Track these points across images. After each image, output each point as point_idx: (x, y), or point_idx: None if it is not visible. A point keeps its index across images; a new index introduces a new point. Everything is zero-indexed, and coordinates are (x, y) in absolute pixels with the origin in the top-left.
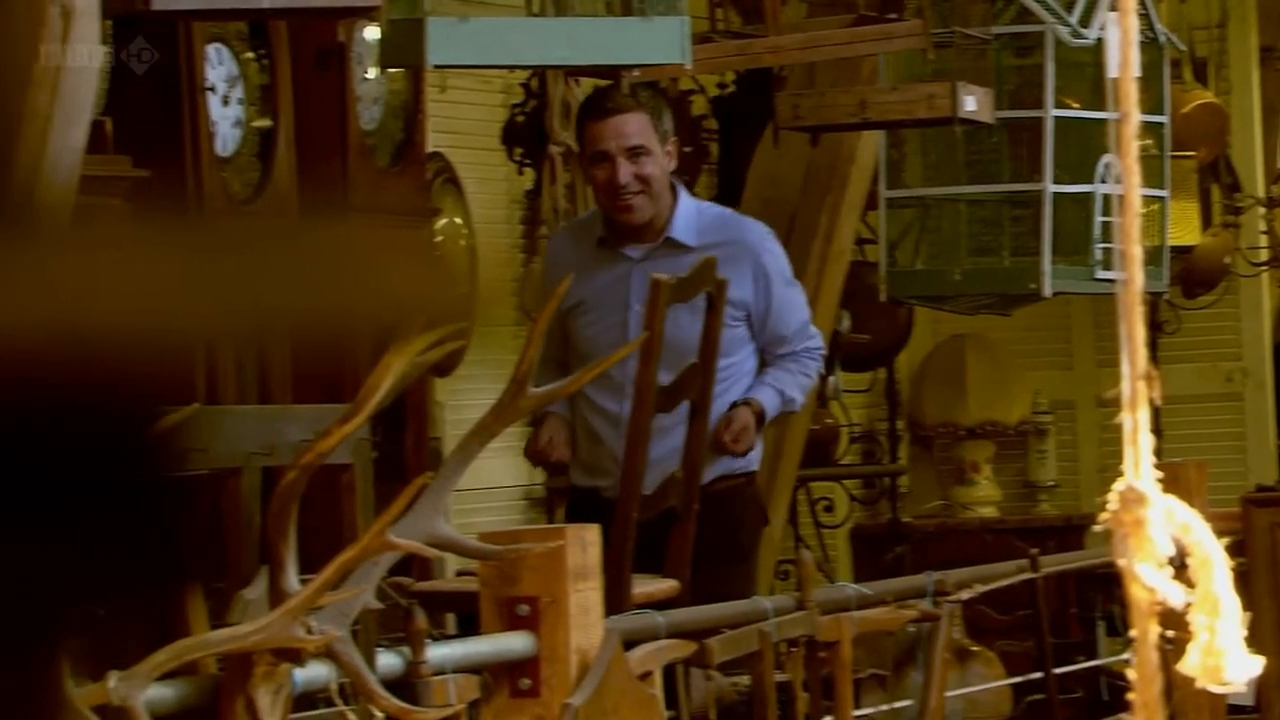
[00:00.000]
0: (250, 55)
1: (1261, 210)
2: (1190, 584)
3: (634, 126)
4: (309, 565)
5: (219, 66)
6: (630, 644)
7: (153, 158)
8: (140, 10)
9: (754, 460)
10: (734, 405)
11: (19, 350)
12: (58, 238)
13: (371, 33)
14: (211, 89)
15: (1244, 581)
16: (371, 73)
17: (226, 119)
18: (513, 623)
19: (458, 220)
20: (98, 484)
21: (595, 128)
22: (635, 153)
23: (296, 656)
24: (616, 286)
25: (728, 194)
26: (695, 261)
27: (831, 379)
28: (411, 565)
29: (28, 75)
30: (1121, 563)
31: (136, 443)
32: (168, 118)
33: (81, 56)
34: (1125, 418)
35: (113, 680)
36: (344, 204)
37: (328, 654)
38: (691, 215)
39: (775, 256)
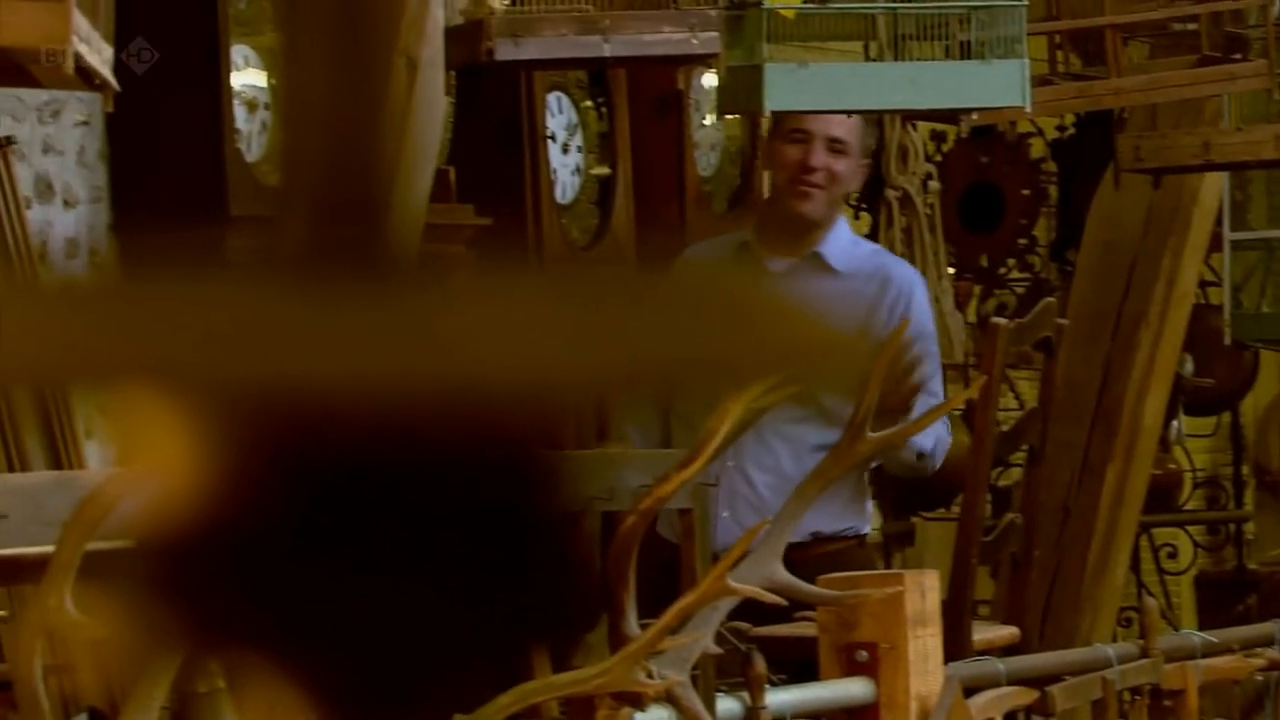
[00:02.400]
0: (589, 103)
1: None
2: None
3: (844, 118)
4: (647, 610)
5: (559, 115)
6: (970, 691)
7: (494, 206)
8: (484, 60)
9: (865, 523)
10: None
11: (394, 400)
12: (428, 285)
13: (709, 79)
14: (552, 137)
15: None
16: (709, 119)
17: (566, 166)
18: (851, 669)
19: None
20: (480, 532)
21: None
22: (836, 146)
23: (637, 701)
24: None
25: (1067, 237)
26: (840, 289)
27: (1174, 424)
28: (749, 610)
29: (377, 126)
30: None
31: (523, 488)
32: (509, 166)
33: (426, 106)
34: None
35: None
36: (681, 249)
37: (668, 699)
38: (846, 240)
39: (922, 306)
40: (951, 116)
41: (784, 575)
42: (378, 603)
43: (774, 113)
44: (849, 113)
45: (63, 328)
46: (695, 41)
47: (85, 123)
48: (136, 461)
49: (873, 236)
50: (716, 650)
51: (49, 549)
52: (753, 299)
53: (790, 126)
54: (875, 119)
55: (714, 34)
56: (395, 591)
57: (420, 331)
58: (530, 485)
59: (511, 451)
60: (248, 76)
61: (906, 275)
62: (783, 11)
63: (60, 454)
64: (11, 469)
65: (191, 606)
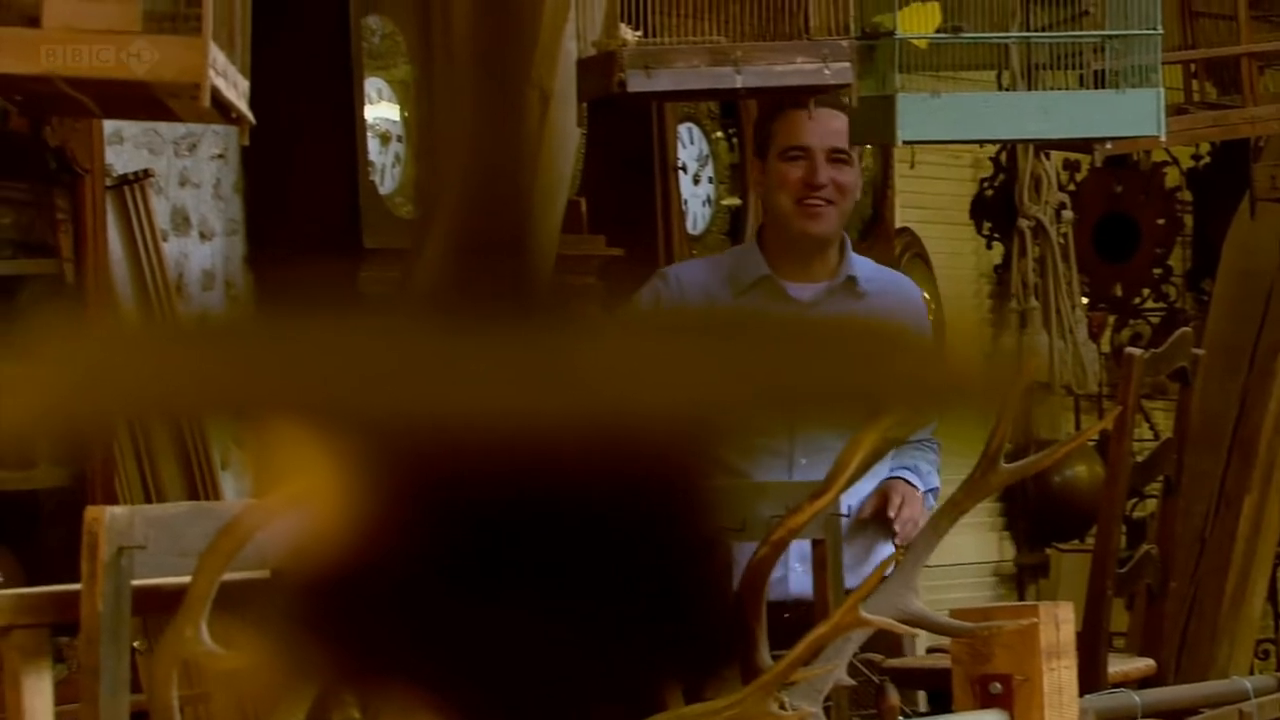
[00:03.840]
0: (720, 134)
1: None
2: None
3: (843, 125)
4: (778, 640)
5: (690, 146)
6: None
7: (626, 237)
8: (616, 92)
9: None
10: (886, 480)
11: (537, 433)
12: (572, 319)
13: None
14: (683, 168)
15: None
16: None
17: (697, 197)
18: (985, 701)
19: (925, 295)
20: (624, 564)
21: (797, 118)
22: (838, 157)
23: None
24: None
25: (1202, 266)
26: (864, 309)
27: None
28: (882, 641)
29: (520, 161)
30: None
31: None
32: (641, 197)
33: (558, 138)
34: None
35: None
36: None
37: None
38: (866, 262)
39: (926, 319)
40: (1085, 146)
41: (917, 606)
42: (518, 635)
43: (762, 130)
44: (983, 142)
45: (199, 360)
46: (827, 72)
47: (221, 156)
48: (273, 492)
49: (1005, 266)
50: (849, 682)
51: (185, 579)
52: (886, 332)
53: (787, 144)
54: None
55: (846, 64)
56: (536, 624)
57: (564, 365)
58: (674, 517)
59: (656, 484)
60: (381, 110)
61: (914, 289)
62: (915, 41)
63: (197, 485)
64: (149, 499)
65: (333, 638)
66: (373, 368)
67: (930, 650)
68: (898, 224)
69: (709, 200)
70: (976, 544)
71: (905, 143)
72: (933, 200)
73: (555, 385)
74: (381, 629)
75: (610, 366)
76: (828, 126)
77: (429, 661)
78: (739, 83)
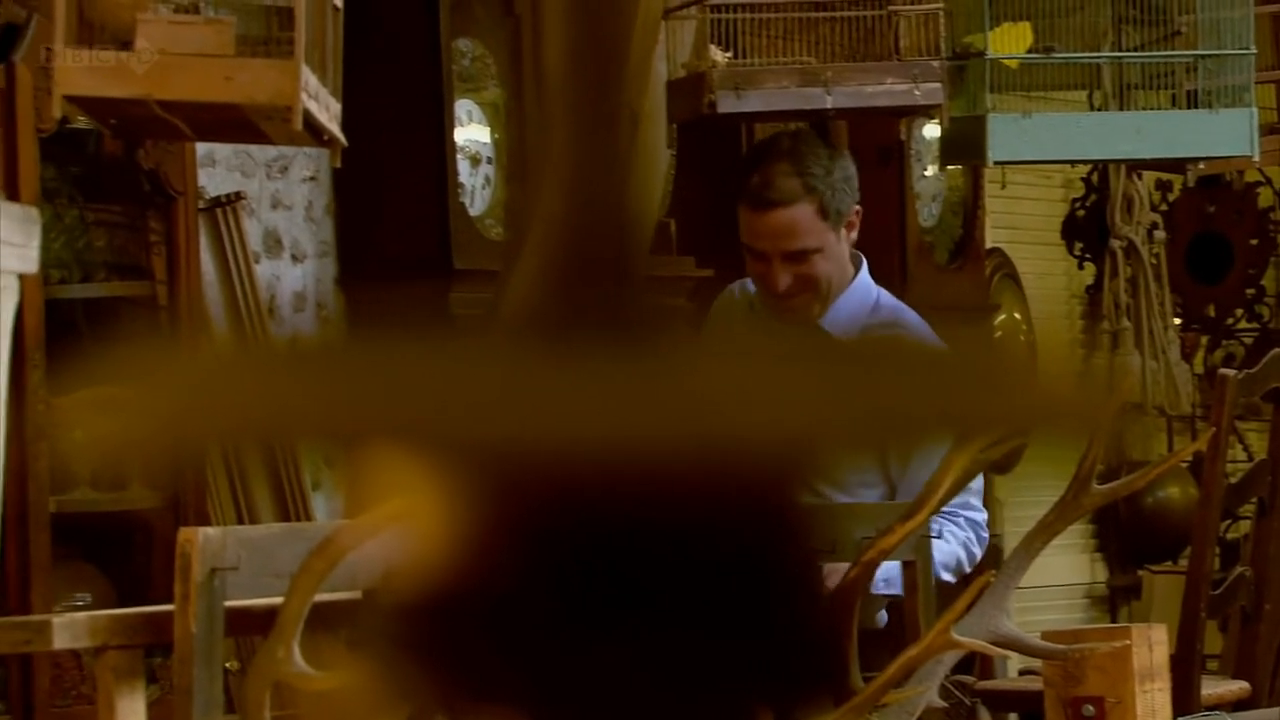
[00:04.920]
0: None
1: None
2: None
3: (796, 224)
4: (869, 662)
5: None
6: None
7: (715, 258)
8: (706, 113)
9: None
10: None
11: (639, 457)
12: (673, 341)
13: (931, 130)
14: None
15: None
16: (930, 170)
17: None
18: None
19: (1017, 316)
20: (726, 588)
21: (749, 219)
22: (798, 257)
23: None
24: None
25: None
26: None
27: None
28: (973, 663)
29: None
30: None
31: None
32: (730, 219)
33: (648, 159)
34: None
35: None
36: (903, 300)
37: None
38: (858, 305)
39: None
40: (1178, 166)
41: (1009, 628)
42: (614, 659)
43: (735, 181)
44: (1074, 163)
45: (293, 383)
46: (918, 92)
47: (313, 178)
48: (365, 515)
49: (1097, 287)
50: (941, 704)
51: (278, 600)
52: (982, 354)
53: (745, 241)
54: (842, 166)
55: (937, 85)
56: (632, 648)
57: (665, 389)
58: (772, 540)
59: (754, 507)
60: (471, 131)
61: (904, 326)
62: (1007, 61)
63: (288, 506)
64: (241, 521)
65: (429, 661)
66: (471, 391)
67: (1022, 672)
68: (988, 244)
69: None
70: (1069, 566)
71: (996, 163)
72: (1024, 220)
73: (657, 409)
74: (478, 653)
75: (710, 391)
76: (779, 229)
77: (524, 686)
78: (829, 103)
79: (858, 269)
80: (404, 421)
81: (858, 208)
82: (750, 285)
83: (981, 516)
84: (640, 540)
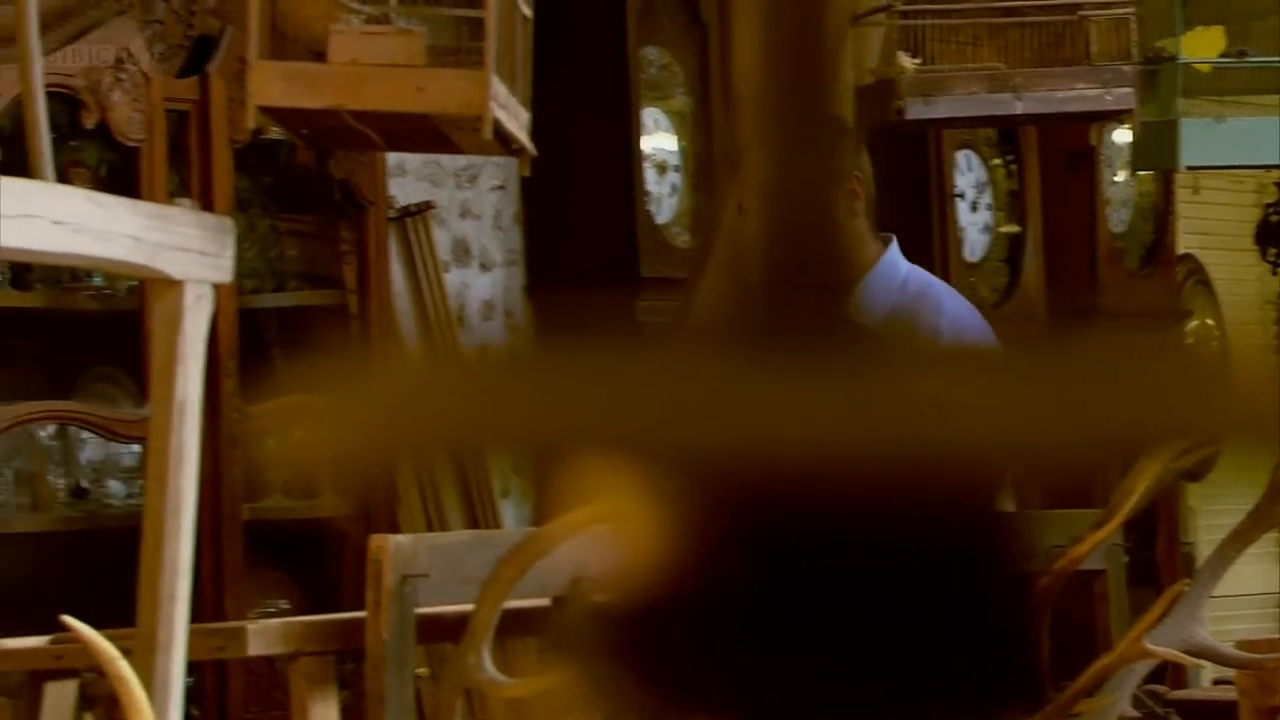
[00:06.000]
0: (999, 161)
1: None
2: None
3: None
4: (1061, 672)
5: (968, 173)
6: None
7: None
8: (894, 119)
9: None
10: None
11: (851, 465)
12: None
13: (1122, 135)
14: (961, 195)
15: None
16: (1121, 175)
17: (975, 225)
18: None
19: (1209, 322)
20: (938, 597)
21: None
22: None
23: None
24: None
25: None
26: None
27: None
28: (1166, 673)
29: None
30: None
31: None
32: (918, 224)
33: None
34: None
35: None
36: (1093, 308)
37: None
38: (883, 287)
39: (956, 320)
40: None
41: (1202, 637)
42: (823, 669)
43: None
44: (1269, 168)
45: (481, 392)
46: (1109, 97)
47: (501, 187)
48: (556, 523)
49: None
50: (1133, 714)
51: (467, 607)
52: (1173, 361)
53: None
54: (843, 130)
55: (1128, 89)
56: (842, 657)
57: (871, 395)
58: (982, 549)
59: (964, 515)
60: (658, 140)
61: (932, 299)
62: (1199, 66)
63: (476, 513)
64: (430, 528)
65: (632, 668)
66: (671, 398)
67: (1216, 682)
68: (1180, 250)
69: (987, 227)
70: (1263, 574)
71: (1188, 168)
72: (1216, 226)
73: (863, 416)
74: (679, 659)
75: (917, 397)
76: None
77: (724, 693)
78: (1019, 109)
79: (885, 249)
80: (602, 430)
81: (858, 174)
82: None
83: None
84: (844, 548)
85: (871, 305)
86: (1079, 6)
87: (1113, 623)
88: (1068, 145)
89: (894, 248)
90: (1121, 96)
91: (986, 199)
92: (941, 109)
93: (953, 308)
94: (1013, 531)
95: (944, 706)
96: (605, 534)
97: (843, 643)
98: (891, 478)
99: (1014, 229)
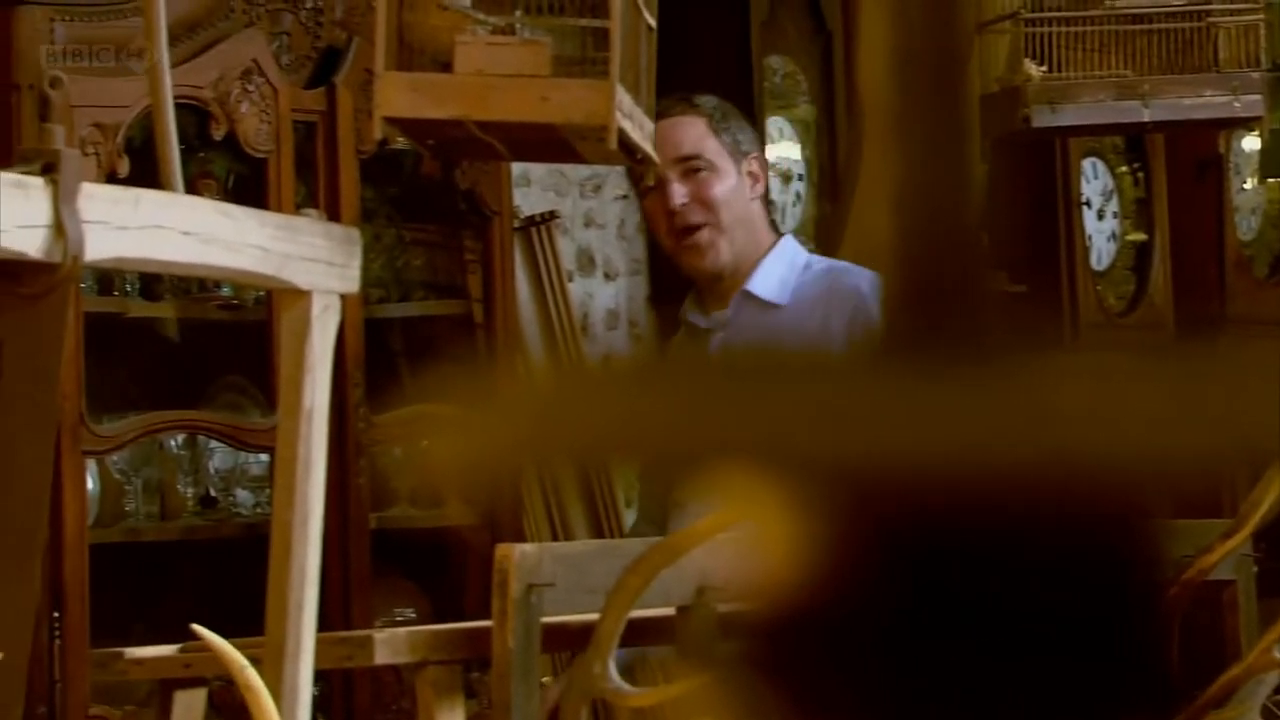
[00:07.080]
0: (1125, 168)
1: None
2: None
3: (685, 131)
4: (1190, 683)
5: (1094, 180)
6: None
7: (1028, 272)
8: (1020, 127)
9: None
10: None
11: (996, 478)
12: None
13: (1250, 142)
14: (1087, 203)
15: None
16: (1250, 182)
17: (1101, 233)
18: None
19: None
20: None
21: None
22: (692, 164)
23: None
24: None
25: None
26: (780, 323)
27: None
28: None
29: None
30: None
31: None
32: (1044, 232)
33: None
34: None
35: None
36: (1221, 316)
37: None
38: (782, 266)
39: (877, 288)
40: None
41: None
42: (965, 683)
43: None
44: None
45: (608, 400)
46: (1237, 104)
47: (625, 197)
48: (681, 533)
49: None
50: None
51: (593, 616)
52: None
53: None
54: (741, 114)
55: (1257, 96)
56: (983, 671)
57: (1017, 406)
58: (1126, 561)
59: (1109, 527)
60: (783, 148)
61: (852, 282)
62: None
63: (601, 522)
64: (555, 538)
65: (769, 679)
66: (808, 408)
67: None
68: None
69: (1113, 236)
70: None
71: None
72: None
73: (1008, 427)
74: (818, 671)
75: (1064, 408)
76: (668, 137)
77: (864, 706)
78: (1146, 116)
79: (777, 241)
80: (734, 440)
81: (758, 156)
82: (684, 309)
83: None
84: (989, 560)
85: (774, 286)
86: (1207, 13)
87: (1242, 633)
88: (1195, 152)
89: (789, 238)
90: (1250, 104)
91: (1113, 207)
92: (1068, 116)
93: (867, 275)
94: (1157, 545)
95: (1074, 716)
96: (732, 543)
97: (982, 657)
98: (1037, 489)
99: (1141, 237)
